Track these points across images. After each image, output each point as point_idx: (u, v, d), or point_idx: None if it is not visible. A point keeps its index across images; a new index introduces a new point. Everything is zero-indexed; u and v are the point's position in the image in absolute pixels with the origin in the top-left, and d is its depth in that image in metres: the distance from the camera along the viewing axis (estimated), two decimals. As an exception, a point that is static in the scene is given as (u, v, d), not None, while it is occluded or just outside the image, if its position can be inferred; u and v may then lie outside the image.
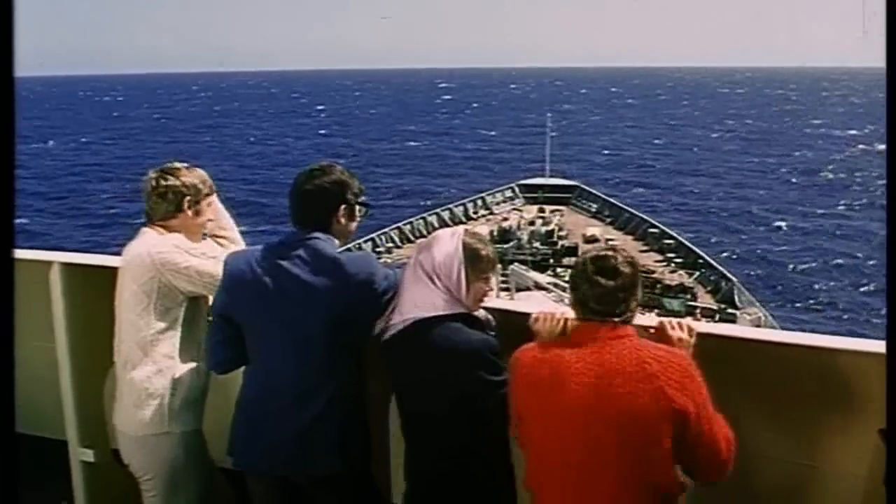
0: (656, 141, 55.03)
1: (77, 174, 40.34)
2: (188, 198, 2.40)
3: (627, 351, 1.76)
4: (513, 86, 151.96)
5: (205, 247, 2.42)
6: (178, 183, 2.39)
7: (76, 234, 26.57)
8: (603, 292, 1.81)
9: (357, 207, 2.19)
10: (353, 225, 2.20)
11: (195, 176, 2.44)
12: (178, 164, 2.46)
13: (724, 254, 23.97)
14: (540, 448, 1.84)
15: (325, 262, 2.04)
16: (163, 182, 2.39)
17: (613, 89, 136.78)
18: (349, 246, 2.30)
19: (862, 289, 22.08)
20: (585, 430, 1.74)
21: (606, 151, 48.16)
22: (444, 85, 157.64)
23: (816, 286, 22.44)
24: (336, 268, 2.04)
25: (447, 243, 2.05)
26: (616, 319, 1.81)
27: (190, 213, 2.42)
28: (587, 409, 1.73)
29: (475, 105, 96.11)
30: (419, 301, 2.01)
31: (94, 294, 2.67)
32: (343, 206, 2.14)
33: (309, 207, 2.13)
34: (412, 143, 54.48)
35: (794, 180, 39.03)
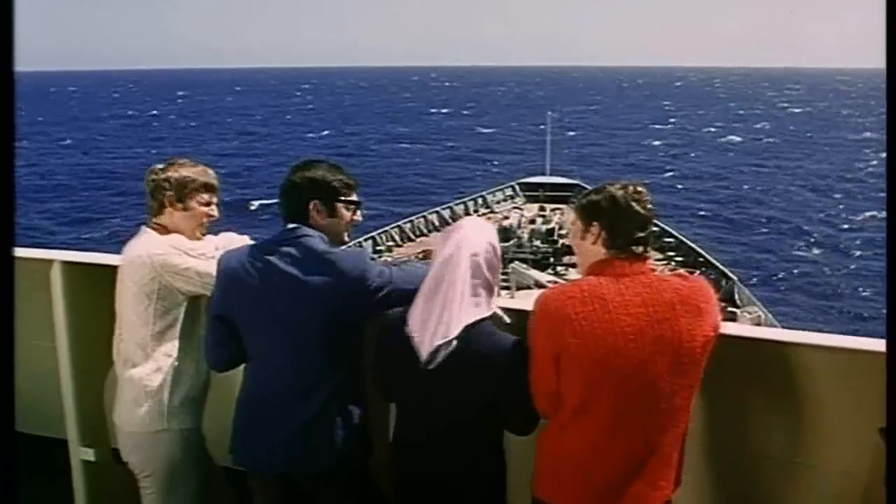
0: (662, 143, 54.24)
1: (65, 175, 39.90)
2: (168, 193, 2.37)
3: (657, 282, 1.82)
4: (514, 85, 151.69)
5: (204, 246, 2.41)
6: (162, 178, 2.38)
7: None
8: (641, 221, 1.86)
9: (339, 204, 2.14)
10: (338, 221, 2.14)
11: (187, 170, 2.41)
12: (178, 160, 2.45)
13: (756, 275, 21.17)
14: (588, 375, 1.79)
15: (317, 258, 2.03)
16: (151, 178, 2.40)
17: (615, 91, 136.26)
18: (349, 243, 2.25)
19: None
20: (640, 353, 1.76)
21: (609, 157, 47.07)
22: (446, 84, 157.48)
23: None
24: (328, 265, 2.02)
25: (489, 230, 2.06)
26: (639, 251, 1.85)
27: (173, 209, 2.39)
28: (639, 334, 1.76)
29: (476, 103, 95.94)
30: (473, 303, 1.95)
31: (94, 293, 2.67)
32: (315, 202, 2.10)
33: (283, 203, 2.14)
34: (412, 142, 54.39)
35: (817, 187, 36.57)
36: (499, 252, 2.04)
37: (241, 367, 2.22)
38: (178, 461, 2.41)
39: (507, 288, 14.37)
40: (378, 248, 18.10)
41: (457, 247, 1.97)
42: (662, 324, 1.77)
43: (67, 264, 2.75)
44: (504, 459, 2.07)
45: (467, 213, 20.84)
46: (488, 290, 1.99)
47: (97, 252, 2.97)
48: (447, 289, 1.93)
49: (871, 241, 25.39)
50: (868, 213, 29.65)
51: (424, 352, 1.91)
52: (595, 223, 1.88)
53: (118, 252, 2.51)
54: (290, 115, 78.91)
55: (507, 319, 2.05)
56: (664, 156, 47.96)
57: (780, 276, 22.50)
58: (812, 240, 26.77)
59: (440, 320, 1.91)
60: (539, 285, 14.78)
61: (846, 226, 28.96)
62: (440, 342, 1.90)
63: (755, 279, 20.50)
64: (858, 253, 24.78)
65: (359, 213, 2.21)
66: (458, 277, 1.93)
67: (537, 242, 18.00)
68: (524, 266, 15.96)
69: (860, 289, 21.03)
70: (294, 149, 47.81)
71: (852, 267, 23.25)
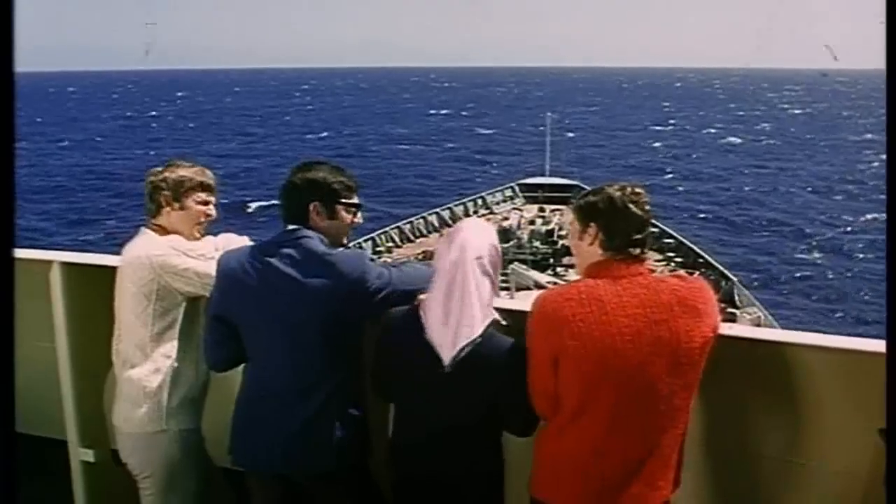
0: (663, 145, 54.00)
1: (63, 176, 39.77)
2: (165, 193, 2.38)
3: (654, 283, 1.82)
4: (514, 85, 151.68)
5: (203, 247, 2.41)
6: (158, 179, 2.39)
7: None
8: (639, 223, 1.86)
9: (339, 206, 2.14)
10: (338, 223, 2.14)
11: (183, 170, 2.42)
12: (175, 161, 2.46)
13: (757, 278, 20.81)
14: (586, 376, 1.80)
15: (316, 260, 2.03)
16: (150, 179, 2.41)
17: (615, 92, 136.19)
18: (349, 245, 2.25)
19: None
20: (637, 354, 1.76)
21: (609, 158, 46.63)
22: (446, 84, 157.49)
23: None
24: (327, 266, 2.02)
25: (491, 231, 2.08)
26: (636, 253, 1.85)
27: (170, 209, 2.40)
28: (637, 336, 1.76)
29: (475, 104, 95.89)
30: (487, 303, 1.97)
31: (94, 294, 2.67)
32: (316, 204, 2.10)
33: (283, 204, 2.14)
34: (411, 143, 54.36)
35: (818, 189, 36.23)
36: (500, 252, 2.06)
37: (241, 367, 2.23)
38: (178, 462, 2.41)
39: (507, 289, 14.38)
40: (378, 249, 18.11)
41: (461, 250, 1.99)
42: (660, 325, 1.77)
43: (67, 265, 2.75)
44: (502, 458, 2.08)
45: (467, 215, 20.85)
46: (493, 291, 2.02)
47: (93, 253, 2.97)
48: (462, 291, 1.95)
49: (874, 243, 25.06)
50: (870, 216, 29.34)
51: (447, 354, 1.93)
52: (592, 224, 1.88)
53: (115, 254, 2.51)
54: (289, 116, 78.82)
55: (504, 322, 2.06)
56: (664, 157, 47.83)
57: (781, 279, 22.29)
58: (814, 242, 26.52)
59: (461, 322, 1.94)
60: (539, 286, 14.79)
61: (848, 228, 28.63)
62: (464, 342, 1.92)
63: (756, 282, 20.26)
64: (861, 256, 24.55)
65: (359, 215, 2.21)
66: (470, 279, 1.96)
67: (537, 243, 18.01)
68: (524, 267, 15.98)
69: (863, 292, 20.79)
70: (293, 150, 47.78)
71: (855, 270, 23.01)
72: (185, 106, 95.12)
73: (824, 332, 2.22)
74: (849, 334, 2.11)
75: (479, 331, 1.93)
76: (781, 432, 2.21)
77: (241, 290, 2.10)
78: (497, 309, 2.06)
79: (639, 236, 1.86)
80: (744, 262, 22.79)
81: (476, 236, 2.02)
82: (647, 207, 1.89)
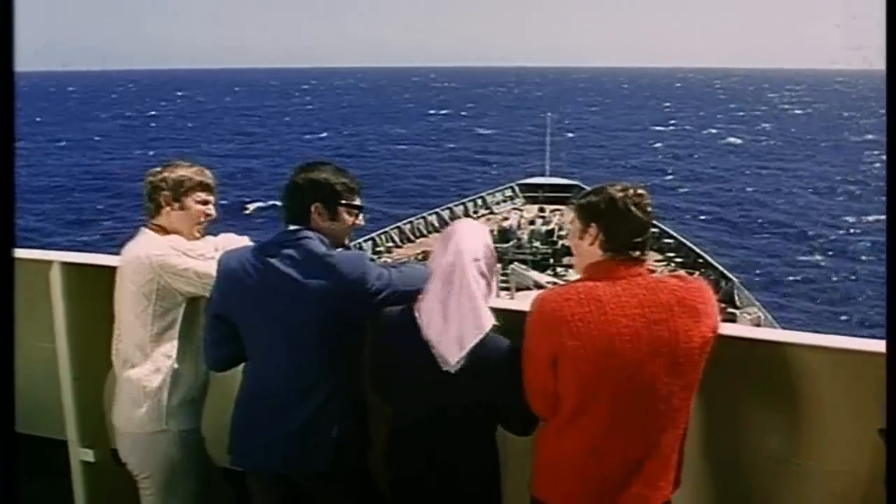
0: (663, 145, 53.89)
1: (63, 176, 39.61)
2: (165, 193, 2.38)
3: (654, 283, 1.82)
4: (514, 85, 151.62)
5: (203, 247, 2.41)
6: (158, 179, 2.39)
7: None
8: (639, 225, 1.85)
9: (341, 208, 2.13)
10: (339, 225, 2.14)
11: (183, 170, 2.42)
12: (175, 161, 2.46)
13: (759, 280, 20.61)
14: (585, 376, 1.79)
15: (316, 260, 2.03)
16: (149, 179, 2.41)
17: (616, 92, 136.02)
18: (349, 245, 2.25)
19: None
20: (637, 354, 1.76)
21: (609, 159, 46.39)
22: (446, 84, 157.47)
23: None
24: (327, 267, 2.02)
25: (485, 232, 2.09)
26: (636, 255, 1.85)
27: (170, 209, 2.40)
28: (636, 336, 1.75)
29: (475, 104, 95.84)
30: (484, 303, 1.98)
31: (94, 294, 2.67)
32: (318, 205, 2.10)
33: (285, 204, 2.14)
34: (411, 143, 54.34)
35: (820, 190, 35.97)
36: (494, 253, 2.07)
37: (241, 367, 2.23)
38: (177, 462, 2.41)
39: (507, 289, 14.39)
40: (378, 249, 18.13)
41: (457, 253, 1.99)
42: (659, 325, 1.77)
43: (67, 265, 2.75)
44: (497, 450, 2.09)
45: (467, 215, 20.87)
46: (489, 291, 2.02)
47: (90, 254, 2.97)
48: (461, 292, 1.96)
49: (877, 245, 24.70)
50: (873, 217, 29.09)
51: (454, 354, 1.93)
52: (593, 224, 1.87)
53: (111, 254, 2.51)
54: (288, 116, 78.72)
55: (497, 323, 2.06)
56: (665, 157, 47.72)
57: (784, 281, 22.15)
58: (816, 244, 26.32)
59: (465, 322, 1.94)
60: (538, 286, 14.79)
61: (852, 230, 28.39)
62: (474, 341, 1.93)
63: (759, 285, 20.08)
64: (864, 257, 24.28)
65: (361, 217, 2.21)
66: (471, 280, 1.96)
67: (537, 243, 18.02)
68: (524, 267, 15.99)
69: (867, 295, 20.56)
70: (292, 150, 47.75)
71: (860, 272, 22.78)
72: (185, 106, 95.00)
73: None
74: (855, 337, 2.11)
75: (489, 325, 1.95)
76: (781, 432, 2.21)
77: (241, 290, 2.10)
78: (492, 309, 2.06)
79: (639, 238, 1.85)
80: (746, 263, 22.63)
81: (471, 238, 2.03)
82: (649, 209, 1.88)
